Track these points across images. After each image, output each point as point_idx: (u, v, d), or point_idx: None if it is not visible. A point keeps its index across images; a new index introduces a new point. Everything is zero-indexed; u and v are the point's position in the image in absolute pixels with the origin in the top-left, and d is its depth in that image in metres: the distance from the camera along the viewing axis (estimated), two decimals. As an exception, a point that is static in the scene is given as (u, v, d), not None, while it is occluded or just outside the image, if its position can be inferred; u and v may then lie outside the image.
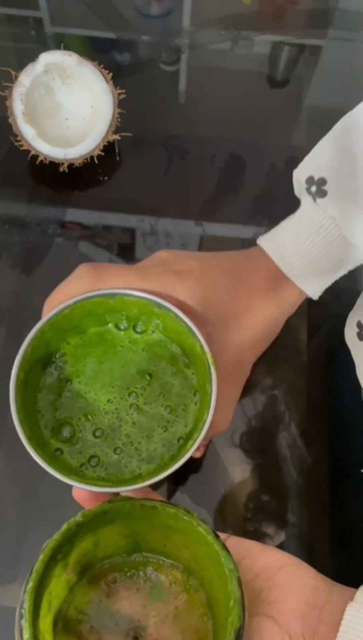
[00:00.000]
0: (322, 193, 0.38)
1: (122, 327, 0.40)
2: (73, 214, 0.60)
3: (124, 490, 0.33)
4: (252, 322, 0.39)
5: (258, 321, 0.39)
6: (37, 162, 0.59)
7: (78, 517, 0.31)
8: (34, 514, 0.46)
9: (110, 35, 0.75)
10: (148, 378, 0.39)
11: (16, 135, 0.58)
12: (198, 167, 0.64)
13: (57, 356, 0.39)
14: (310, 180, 0.39)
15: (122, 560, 0.34)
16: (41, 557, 0.29)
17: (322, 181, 0.39)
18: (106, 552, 0.34)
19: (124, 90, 0.60)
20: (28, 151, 0.58)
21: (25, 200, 0.61)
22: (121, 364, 0.39)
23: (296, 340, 0.53)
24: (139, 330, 0.40)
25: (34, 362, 0.38)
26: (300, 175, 0.41)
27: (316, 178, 0.39)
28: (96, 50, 0.77)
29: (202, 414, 0.35)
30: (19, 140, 0.58)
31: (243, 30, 0.76)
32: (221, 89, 0.72)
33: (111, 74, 0.59)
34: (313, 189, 0.39)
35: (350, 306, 0.50)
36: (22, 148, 0.58)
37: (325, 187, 0.38)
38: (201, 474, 0.47)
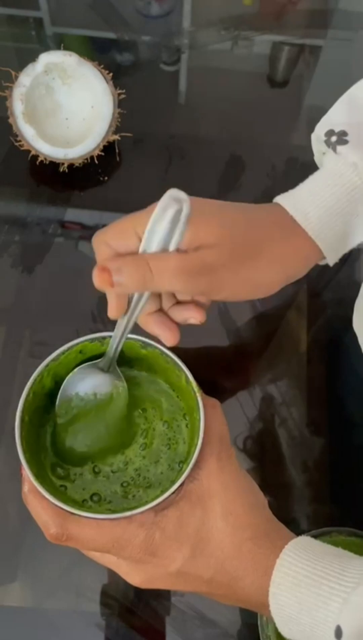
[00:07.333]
0: (342, 142, 0.39)
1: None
2: (73, 214, 0.60)
3: (127, 515, 0.33)
4: (265, 266, 0.39)
5: (270, 266, 0.39)
6: (38, 162, 0.59)
7: None
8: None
9: (110, 35, 0.75)
10: (141, 411, 0.40)
11: (16, 136, 0.58)
12: (198, 167, 0.64)
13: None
14: (329, 133, 0.40)
15: None
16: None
17: (343, 133, 0.40)
18: None
19: (124, 91, 0.60)
20: (28, 151, 0.59)
21: (26, 200, 0.61)
22: (112, 415, 0.40)
23: (296, 338, 0.53)
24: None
25: (36, 405, 0.39)
26: (319, 131, 0.41)
27: (336, 130, 0.40)
28: (96, 51, 0.77)
29: (193, 440, 0.37)
30: (19, 140, 0.58)
31: (243, 30, 0.76)
32: (221, 89, 0.72)
33: (111, 74, 0.59)
34: (334, 138, 0.40)
35: (349, 301, 0.50)
36: (22, 148, 0.58)
37: (346, 137, 0.39)
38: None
